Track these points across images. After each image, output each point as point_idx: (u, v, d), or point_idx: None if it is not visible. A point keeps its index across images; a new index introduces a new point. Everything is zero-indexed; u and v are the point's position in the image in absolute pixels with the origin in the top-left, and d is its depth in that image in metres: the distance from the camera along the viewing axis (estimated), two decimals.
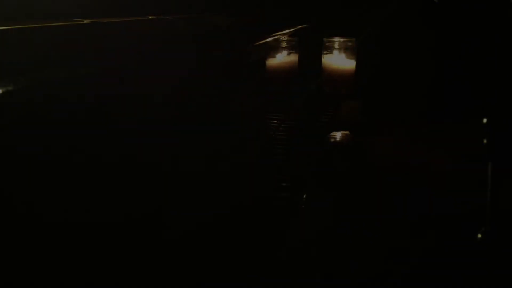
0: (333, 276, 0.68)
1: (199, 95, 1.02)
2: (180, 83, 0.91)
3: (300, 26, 1.96)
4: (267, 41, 1.59)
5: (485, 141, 0.75)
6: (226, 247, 0.74)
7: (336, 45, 1.69)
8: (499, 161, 0.73)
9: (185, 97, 0.94)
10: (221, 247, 0.74)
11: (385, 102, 1.72)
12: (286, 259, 0.70)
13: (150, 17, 1.00)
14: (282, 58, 1.63)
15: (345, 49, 1.68)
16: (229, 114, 1.21)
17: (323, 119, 1.45)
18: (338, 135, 1.25)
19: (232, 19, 1.44)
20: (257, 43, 1.50)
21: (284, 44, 1.63)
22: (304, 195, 0.93)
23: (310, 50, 1.91)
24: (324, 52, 1.70)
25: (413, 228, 1.06)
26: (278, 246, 0.74)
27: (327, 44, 1.70)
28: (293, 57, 1.64)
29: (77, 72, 0.60)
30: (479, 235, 0.72)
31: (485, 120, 0.76)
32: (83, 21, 0.77)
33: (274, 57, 1.62)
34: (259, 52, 1.56)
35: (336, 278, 0.71)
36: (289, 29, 1.81)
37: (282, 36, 1.68)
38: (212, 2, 1.54)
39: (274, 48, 1.61)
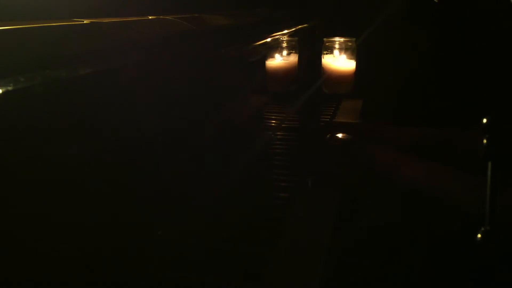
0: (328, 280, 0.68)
1: (199, 94, 1.02)
2: (179, 83, 0.91)
3: (300, 26, 1.96)
4: (267, 41, 1.59)
5: (485, 141, 0.75)
6: (216, 251, 0.74)
7: (336, 45, 1.69)
8: (499, 161, 0.73)
9: (184, 97, 0.94)
10: (211, 250, 0.74)
11: (385, 103, 1.72)
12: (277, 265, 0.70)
13: (150, 17, 1.00)
14: (282, 58, 1.63)
15: (345, 49, 1.69)
16: (228, 114, 1.21)
17: (323, 120, 1.45)
18: (338, 136, 1.24)
19: (232, 19, 1.44)
20: (257, 43, 1.50)
21: (284, 44, 1.63)
22: (304, 196, 0.93)
23: (310, 50, 1.91)
24: (324, 52, 1.70)
25: (413, 229, 1.06)
26: (270, 249, 0.73)
27: (327, 44, 1.70)
28: (293, 57, 1.64)
29: (77, 72, 0.60)
30: (479, 235, 0.72)
31: (485, 120, 0.75)
32: (83, 21, 0.77)
33: (274, 57, 1.62)
34: (259, 52, 1.56)
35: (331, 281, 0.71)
36: (289, 29, 1.81)
37: (282, 36, 1.68)
38: (212, 2, 1.54)
39: (274, 48, 1.61)
